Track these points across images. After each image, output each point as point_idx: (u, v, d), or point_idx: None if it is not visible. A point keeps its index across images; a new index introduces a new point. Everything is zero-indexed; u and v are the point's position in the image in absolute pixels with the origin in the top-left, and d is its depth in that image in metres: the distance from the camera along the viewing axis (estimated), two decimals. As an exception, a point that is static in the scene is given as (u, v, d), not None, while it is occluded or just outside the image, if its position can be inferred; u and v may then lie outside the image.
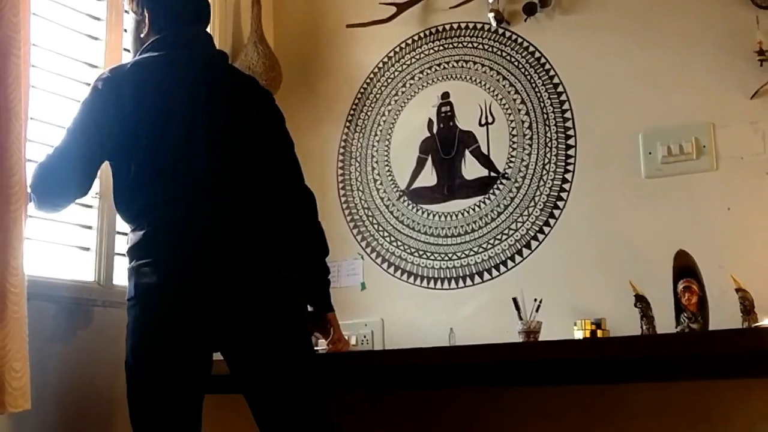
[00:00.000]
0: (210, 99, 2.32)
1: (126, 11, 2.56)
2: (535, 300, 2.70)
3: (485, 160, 3.15)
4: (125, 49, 2.86)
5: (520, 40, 3.16)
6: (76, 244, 2.72)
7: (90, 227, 2.74)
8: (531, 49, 3.14)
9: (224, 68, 2.48)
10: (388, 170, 3.33)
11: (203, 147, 2.26)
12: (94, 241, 2.74)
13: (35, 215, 2.37)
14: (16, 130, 2.13)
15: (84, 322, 2.62)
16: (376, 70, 3.44)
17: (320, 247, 2.52)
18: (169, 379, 2.14)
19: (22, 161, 2.17)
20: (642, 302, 2.53)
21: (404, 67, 3.38)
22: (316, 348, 2.60)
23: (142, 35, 2.43)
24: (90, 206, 2.74)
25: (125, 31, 2.81)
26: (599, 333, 2.60)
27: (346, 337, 3.16)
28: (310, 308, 2.47)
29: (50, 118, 2.59)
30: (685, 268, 2.45)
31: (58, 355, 2.51)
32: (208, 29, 3.18)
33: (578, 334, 2.63)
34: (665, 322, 2.47)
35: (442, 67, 3.31)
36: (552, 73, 3.08)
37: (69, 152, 2.20)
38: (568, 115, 3.03)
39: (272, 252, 2.27)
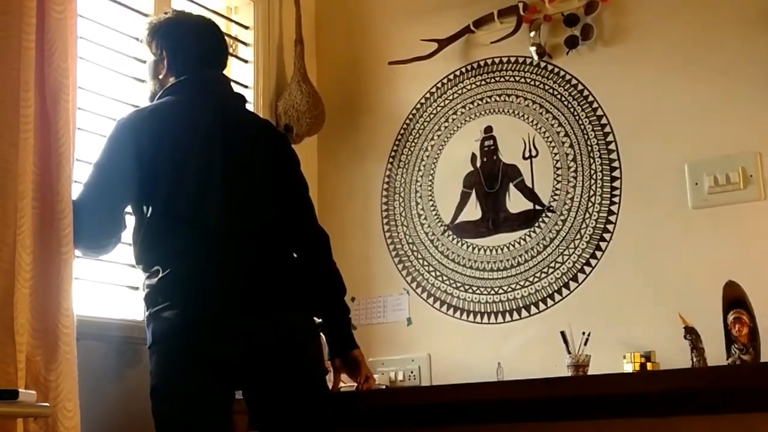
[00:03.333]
0: (224, 146, 2.37)
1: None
2: (583, 333, 2.69)
3: (530, 194, 3.15)
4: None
5: (562, 73, 3.17)
6: (125, 284, 2.76)
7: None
8: (573, 81, 3.13)
9: (239, 113, 2.53)
10: (432, 205, 3.34)
11: (217, 195, 2.31)
12: (142, 280, 2.77)
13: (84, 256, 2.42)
14: (66, 173, 2.17)
15: (134, 361, 2.64)
16: (418, 105, 3.45)
17: (335, 287, 2.55)
18: (194, 417, 2.18)
19: (72, 203, 2.21)
20: (692, 334, 2.50)
21: (446, 102, 3.39)
22: (342, 385, 2.64)
23: (160, 76, 2.49)
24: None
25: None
26: (649, 366, 2.57)
27: (393, 373, 3.18)
28: (330, 347, 2.54)
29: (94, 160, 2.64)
30: (734, 299, 2.42)
31: (109, 394, 2.55)
32: (249, 67, 3.24)
33: (628, 368, 2.60)
34: (716, 354, 2.45)
35: (484, 101, 3.32)
36: (595, 105, 3.08)
37: (93, 187, 2.27)
38: (612, 147, 3.01)
39: (282, 296, 2.32)
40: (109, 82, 2.81)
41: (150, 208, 2.29)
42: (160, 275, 2.24)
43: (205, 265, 2.24)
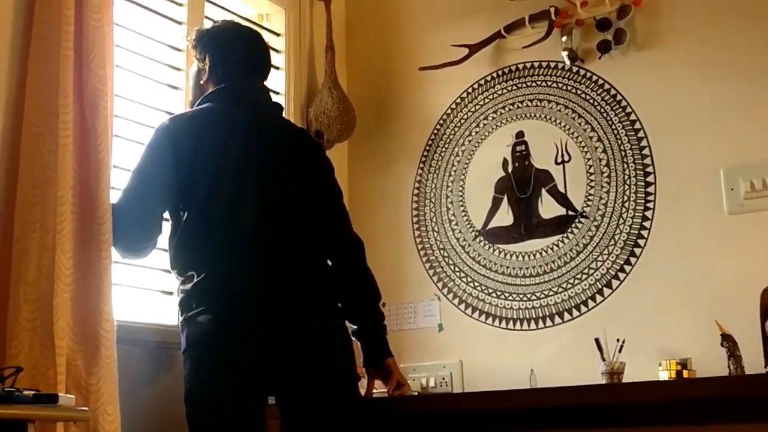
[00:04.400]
0: (260, 154, 2.38)
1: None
2: (618, 340, 2.67)
3: (562, 199, 3.13)
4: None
5: (594, 77, 3.15)
6: (159, 288, 2.77)
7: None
8: (606, 86, 3.12)
9: (274, 121, 2.54)
10: (463, 210, 3.33)
11: (252, 202, 2.32)
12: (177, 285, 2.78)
13: (119, 261, 2.43)
14: (105, 179, 2.20)
15: (168, 366, 2.66)
16: (449, 111, 3.45)
17: (370, 294, 2.55)
18: (226, 423, 2.19)
19: (111, 208, 2.23)
20: (729, 341, 2.48)
21: (477, 107, 3.39)
22: (375, 391, 2.63)
23: (201, 82, 2.52)
24: (172, 251, 2.78)
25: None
26: (685, 373, 2.55)
27: (424, 380, 3.18)
28: (364, 354, 2.54)
29: (132, 166, 2.65)
30: (772, 306, 2.40)
31: (144, 398, 2.56)
32: (281, 74, 3.24)
33: (663, 375, 2.58)
34: (754, 362, 2.42)
35: (515, 106, 3.31)
36: (628, 110, 3.06)
37: (132, 193, 2.28)
38: (646, 152, 3.00)
39: (305, 302, 2.32)
40: (143, 89, 2.82)
41: (186, 214, 2.30)
42: (195, 280, 2.25)
43: (239, 271, 2.26)
